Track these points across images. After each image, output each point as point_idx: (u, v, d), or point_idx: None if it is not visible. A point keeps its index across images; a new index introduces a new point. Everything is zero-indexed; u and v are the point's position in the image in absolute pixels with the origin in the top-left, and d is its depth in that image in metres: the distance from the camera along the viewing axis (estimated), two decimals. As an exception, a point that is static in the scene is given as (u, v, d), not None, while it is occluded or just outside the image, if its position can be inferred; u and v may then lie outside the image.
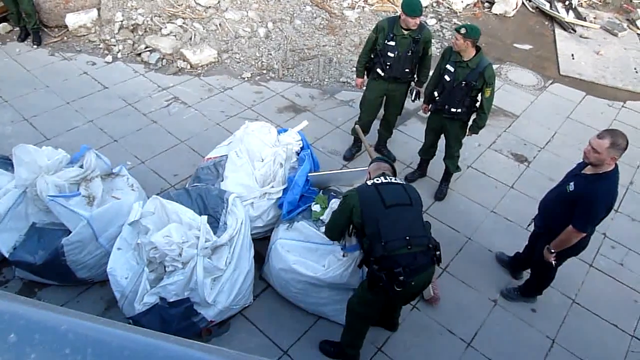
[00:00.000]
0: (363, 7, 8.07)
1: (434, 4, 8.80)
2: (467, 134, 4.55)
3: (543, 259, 3.40)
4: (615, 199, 3.11)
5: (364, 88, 4.90)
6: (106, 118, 5.28)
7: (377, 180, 2.97)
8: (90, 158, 3.66)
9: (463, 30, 3.94)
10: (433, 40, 7.57)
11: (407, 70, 4.55)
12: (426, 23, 8.09)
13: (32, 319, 0.41)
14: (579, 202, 3.06)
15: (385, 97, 4.83)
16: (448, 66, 4.23)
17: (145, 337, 0.47)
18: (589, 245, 3.74)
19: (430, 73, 4.61)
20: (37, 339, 0.36)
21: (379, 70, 4.56)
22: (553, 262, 3.36)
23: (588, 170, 3.13)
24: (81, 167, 3.66)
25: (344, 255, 3.27)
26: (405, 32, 4.37)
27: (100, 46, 6.42)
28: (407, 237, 2.76)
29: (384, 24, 4.46)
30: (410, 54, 4.45)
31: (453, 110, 4.33)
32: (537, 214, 3.61)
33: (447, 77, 4.26)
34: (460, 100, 4.25)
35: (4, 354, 0.37)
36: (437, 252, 2.86)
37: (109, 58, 6.23)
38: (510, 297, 3.91)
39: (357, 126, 4.78)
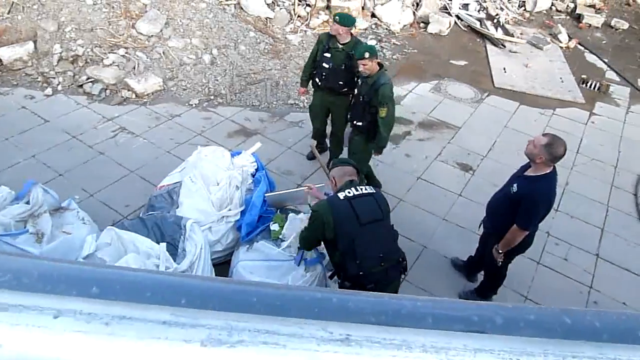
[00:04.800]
0: (305, 31, 8.28)
1: (373, 26, 9.15)
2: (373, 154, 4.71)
3: (493, 259, 3.58)
4: (553, 198, 3.34)
5: (307, 97, 5.10)
6: (49, 152, 5.10)
7: (349, 192, 2.90)
8: (37, 193, 3.53)
9: (367, 55, 4.12)
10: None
11: (340, 82, 4.76)
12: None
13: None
14: (521, 202, 3.27)
15: (329, 109, 5.05)
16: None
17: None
18: (535, 243, 3.97)
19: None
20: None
21: (317, 80, 4.85)
22: (499, 262, 3.54)
23: (529, 172, 3.35)
24: (27, 203, 3.51)
25: (305, 270, 3.30)
26: (340, 46, 4.64)
27: (39, 79, 6.22)
28: (381, 255, 2.81)
29: (323, 36, 4.81)
30: (344, 67, 4.66)
31: (355, 122, 4.52)
32: (485, 216, 3.80)
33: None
34: (362, 115, 4.42)
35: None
36: (404, 262, 2.95)
37: (49, 91, 6.04)
38: (467, 299, 4.06)
39: (312, 146, 4.95)
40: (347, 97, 4.90)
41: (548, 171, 3.25)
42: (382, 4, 9.33)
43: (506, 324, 0.43)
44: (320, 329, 0.41)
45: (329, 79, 4.76)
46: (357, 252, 2.75)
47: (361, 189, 2.98)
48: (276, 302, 0.42)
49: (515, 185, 3.38)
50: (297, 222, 3.71)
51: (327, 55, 4.70)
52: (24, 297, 0.42)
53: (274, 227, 3.77)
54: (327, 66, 4.71)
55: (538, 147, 3.15)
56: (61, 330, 0.41)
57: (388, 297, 0.47)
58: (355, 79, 4.72)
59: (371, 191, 3.01)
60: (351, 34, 4.74)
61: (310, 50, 5.08)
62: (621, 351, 0.41)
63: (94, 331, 0.40)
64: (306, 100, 6.38)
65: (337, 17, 4.60)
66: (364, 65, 4.14)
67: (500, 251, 3.49)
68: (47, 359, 0.40)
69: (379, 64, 4.25)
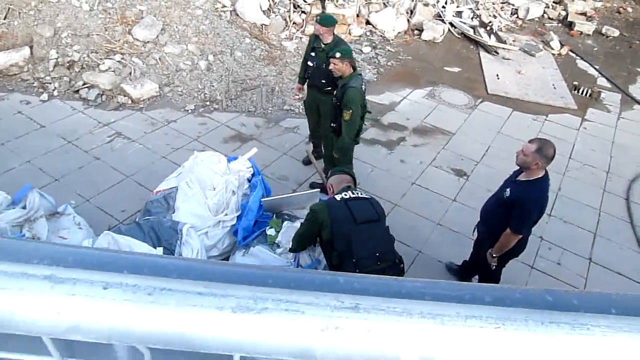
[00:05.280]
0: (300, 38, 8.34)
1: (368, 33, 9.23)
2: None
3: (487, 263, 3.61)
4: (546, 202, 3.38)
5: (302, 99, 5.30)
6: (45, 157, 5.11)
7: (345, 195, 3.02)
8: (34, 198, 3.55)
9: (338, 55, 4.20)
10: (370, 67, 7.95)
11: (323, 81, 4.89)
12: (361, 51, 8.48)
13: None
14: (514, 206, 3.31)
15: (318, 106, 5.17)
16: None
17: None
18: (528, 248, 4.01)
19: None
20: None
21: (306, 78, 5.11)
22: (493, 266, 3.58)
23: (522, 177, 3.40)
24: (24, 207, 3.53)
25: None
26: (323, 46, 4.80)
27: (35, 84, 6.23)
28: (378, 254, 2.86)
29: (312, 36, 5.02)
30: (324, 66, 4.72)
31: (330, 123, 4.66)
32: (479, 221, 3.84)
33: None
34: (335, 116, 4.54)
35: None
36: (402, 265, 2.99)
37: (45, 96, 6.05)
38: None
39: (308, 152, 5.01)
40: (332, 95, 5.01)
41: (541, 175, 3.29)
42: (376, 12, 9.42)
43: (495, 302, 0.48)
44: (333, 299, 0.48)
45: (313, 77, 4.99)
46: (354, 251, 2.81)
47: (357, 193, 3.10)
48: (291, 283, 0.47)
49: (508, 189, 3.42)
50: (293, 231, 3.74)
51: (313, 54, 4.91)
52: (76, 272, 0.49)
53: (270, 231, 3.79)
54: (312, 65, 4.94)
55: (530, 155, 3.18)
56: (110, 299, 0.47)
57: (390, 279, 0.52)
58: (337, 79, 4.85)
59: (367, 196, 3.14)
60: (334, 34, 4.85)
61: None
62: (592, 319, 0.46)
63: (139, 300, 0.47)
64: (301, 106, 6.43)
65: (318, 18, 4.81)
66: (334, 64, 4.23)
67: (494, 255, 3.53)
68: (100, 324, 0.47)
69: (353, 68, 4.31)
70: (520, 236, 3.38)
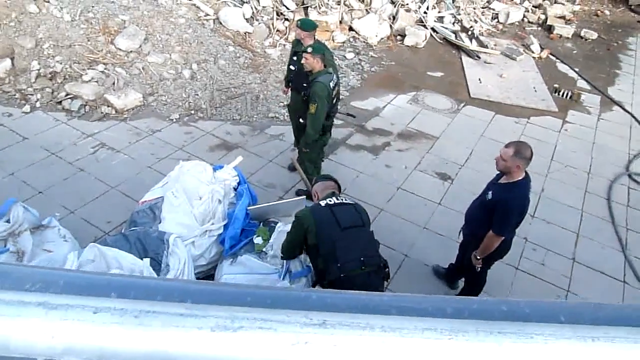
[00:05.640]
0: (284, 45, 8.38)
1: (351, 39, 9.31)
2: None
3: (472, 265, 3.67)
4: (527, 204, 3.45)
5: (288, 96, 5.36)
6: (28, 169, 5.06)
7: (330, 200, 3.07)
8: (17, 211, 3.51)
9: (310, 50, 4.37)
10: (353, 72, 8.02)
11: (304, 84, 4.89)
12: (345, 57, 8.55)
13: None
14: (496, 209, 3.37)
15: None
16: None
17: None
18: (513, 249, 4.05)
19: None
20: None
21: (289, 81, 5.18)
22: (478, 267, 3.65)
23: (503, 180, 3.46)
24: (7, 221, 3.49)
25: (291, 283, 3.34)
26: (303, 49, 4.82)
27: (16, 96, 6.17)
28: (362, 258, 2.90)
29: (294, 41, 5.12)
30: (304, 69, 4.81)
31: (300, 120, 4.81)
32: (464, 224, 3.90)
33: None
34: (304, 112, 4.66)
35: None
36: (387, 270, 3.03)
37: (27, 108, 5.99)
38: None
39: (293, 158, 5.05)
40: None
41: (521, 177, 3.36)
42: (359, 18, 9.51)
43: (454, 313, 0.52)
44: (303, 316, 0.53)
45: (296, 81, 5.04)
46: (338, 255, 2.86)
47: (342, 199, 3.15)
48: (267, 300, 0.52)
49: (490, 192, 3.49)
50: (283, 235, 3.76)
51: (294, 58, 4.98)
52: (68, 298, 0.54)
53: (258, 240, 3.80)
54: (294, 68, 5.01)
55: (509, 159, 3.25)
56: (100, 322, 0.52)
57: (359, 293, 0.56)
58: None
59: (351, 202, 3.19)
60: (314, 38, 4.90)
61: None
62: (538, 328, 0.50)
63: (126, 322, 0.52)
64: (286, 114, 6.47)
65: (298, 22, 4.87)
66: (306, 59, 4.40)
67: (478, 257, 3.59)
68: (91, 346, 0.52)
69: (325, 66, 4.44)
70: (503, 238, 3.43)
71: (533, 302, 0.56)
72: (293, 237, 3.14)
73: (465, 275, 4.12)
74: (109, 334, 0.51)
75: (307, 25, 4.81)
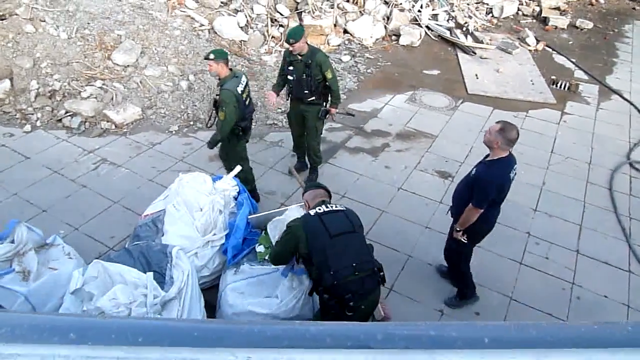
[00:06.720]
0: (280, 51, 8.41)
1: (346, 42, 9.34)
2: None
3: (452, 246, 3.84)
4: (506, 182, 3.51)
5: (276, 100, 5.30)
6: (31, 189, 5.11)
7: (319, 209, 3.10)
8: (21, 232, 3.56)
9: (212, 56, 4.32)
10: (350, 75, 8.05)
11: (306, 92, 4.97)
12: (341, 60, 8.58)
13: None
14: (475, 183, 3.51)
15: (304, 118, 5.25)
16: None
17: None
18: (516, 244, 4.07)
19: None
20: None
21: (288, 92, 5.18)
22: (464, 239, 3.72)
23: (487, 158, 3.58)
24: (12, 242, 3.53)
25: (291, 280, 3.38)
26: (299, 58, 4.86)
27: (17, 116, 6.24)
28: (354, 264, 2.92)
29: (286, 52, 5.06)
30: (305, 76, 4.87)
31: (207, 125, 4.98)
32: (451, 205, 3.94)
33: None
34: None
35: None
36: (382, 273, 3.04)
37: (28, 127, 6.06)
38: (452, 304, 4.16)
39: (291, 167, 5.10)
40: (318, 106, 5.11)
41: (504, 155, 3.47)
42: (353, 20, 9.54)
43: (385, 340, 0.55)
44: (229, 354, 0.57)
45: (296, 90, 5.04)
46: (330, 263, 2.88)
47: (331, 207, 3.18)
48: (213, 335, 0.56)
49: (474, 169, 3.62)
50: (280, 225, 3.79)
51: (291, 68, 4.95)
52: (19, 347, 0.58)
53: (260, 248, 3.83)
54: (291, 78, 4.99)
55: (493, 134, 3.40)
56: None
57: (298, 323, 0.59)
58: (320, 87, 4.97)
59: (342, 208, 3.22)
60: (307, 43, 4.90)
61: None
62: (448, 355, 0.53)
63: None
64: (284, 120, 6.50)
65: (290, 40, 4.73)
66: (210, 66, 4.39)
67: (457, 229, 3.70)
68: None
69: (230, 69, 4.44)
70: (481, 211, 3.51)
71: (461, 324, 0.59)
72: (283, 247, 3.17)
73: (447, 260, 4.18)
74: None
75: (297, 35, 4.72)
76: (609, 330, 0.58)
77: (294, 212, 4.10)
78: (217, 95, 4.43)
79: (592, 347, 0.55)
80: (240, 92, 4.41)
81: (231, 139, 4.63)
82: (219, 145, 4.76)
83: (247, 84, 4.57)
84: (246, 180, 4.82)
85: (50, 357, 0.56)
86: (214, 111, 4.64)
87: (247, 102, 4.58)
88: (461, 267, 4.05)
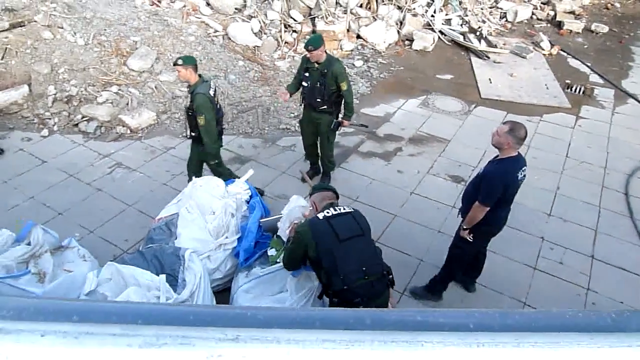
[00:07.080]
0: (293, 57, 8.47)
1: (359, 47, 9.36)
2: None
3: (458, 244, 3.83)
4: (513, 180, 3.50)
5: (286, 99, 5.36)
6: (48, 192, 5.20)
7: (327, 212, 3.06)
8: (37, 234, 3.63)
9: (180, 62, 4.29)
10: (362, 80, 8.06)
11: (318, 100, 4.98)
12: (354, 65, 8.60)
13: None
14: (482, 181, 3.52)
15: (316, 126, 5.26)
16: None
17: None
18: (530, 249, 4.01)
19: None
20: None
21: (302, 98, 5.19)
22: (470, 238, 3.71)
23: (496, 158, 3.59)
24: (28, 244, 3.60)
25: (298, 279, 3.42)
26: (316, 66, 4.87)
27: (35, 121, 6.36)
28: (364, 268, 2.92)
29: (303, 58, 5.09)
30: (318, 85, 4.88)
31: (190, 134, 4.74)
32: (461, 205, 3.92)
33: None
34: (195, 126, 4.56)
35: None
36: (390, 276, 3.03)
37: (45, 132, 6.17)
38: (417, 293, 4.23)
39: (302, 172, 5.16)
40: (330, 115, 5.11)
41: (511, 155, 3.47)
42: (366, 25, 9.56)
43: (373, 323, 0.57)
44: (219, 333, 0.61)
45: (309, 97, 5.06)
46: (339, 267, 2.87)
47: (339, 209, 3.13)
48: (207, 318, 0.63)
49: (483, 168, 3.62)
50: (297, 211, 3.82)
51: (306, 74, 4.98)
52: (21, 324, 0.64)
53: (272, 252, 3.85)
54: (306, 85, 5.01)
55: (502, 135, 3.40)
56: (47, 344, 0.61)
57: (286, 308, 0.62)
58: (333, 97, 4.97)
59: (349, 210, 3.17)
60: (326, 52, 4.93)
61: None
62: (428, 336, 0.55)
63: (69, 343, 0.61)
64: (296, 124, 6.53)
65: (309, 47, 4.72)
66: (178, 72, 4.37)
67: (464, 227, 3.69)
68: None
69: (199, 75, 4.42)
70: (487, 208, 3.50)
71: (448, 311, 0.61)
72: (293, 251, 3.15)
73: (448, 255, 4.14)
74: (54, 354, 0.59)
75: (317, 43, 4.72)
76: (594, 317, 0.60)
77: (295, 202, 4.08)
78: (190, 102, 4.40)
79: (574, 332, 0.56)
80: (212, 95, 4.45)
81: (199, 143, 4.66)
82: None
83: (216, 89, 4.60)
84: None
85: (52, 332, 0.60)
86: (189, 120, 4.59)
87: (218, 106, 4.61)
88: (453, 265, 4.03)
